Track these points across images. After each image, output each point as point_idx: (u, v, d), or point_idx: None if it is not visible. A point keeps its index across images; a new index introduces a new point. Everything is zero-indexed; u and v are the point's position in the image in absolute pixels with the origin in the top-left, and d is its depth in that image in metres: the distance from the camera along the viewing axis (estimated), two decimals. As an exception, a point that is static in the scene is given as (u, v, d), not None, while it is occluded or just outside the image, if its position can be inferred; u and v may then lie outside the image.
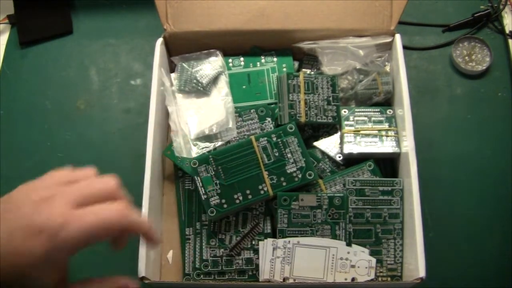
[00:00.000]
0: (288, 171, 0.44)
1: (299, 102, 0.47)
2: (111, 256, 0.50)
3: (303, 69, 0.52)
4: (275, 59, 0.52)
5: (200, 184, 0.43)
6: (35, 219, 0.29)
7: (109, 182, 0.32)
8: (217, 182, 0.43)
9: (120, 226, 0.31)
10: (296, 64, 0.53)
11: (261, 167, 0.44)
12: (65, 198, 0.30)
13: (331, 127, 0.49)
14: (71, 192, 0.30)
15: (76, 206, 0.30)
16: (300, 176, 0.44)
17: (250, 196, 0.43)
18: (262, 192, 0.43)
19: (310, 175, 0.44)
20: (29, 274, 0.30)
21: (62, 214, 0.29)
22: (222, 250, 0.45)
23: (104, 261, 0.50)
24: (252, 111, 0.48)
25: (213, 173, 0.43)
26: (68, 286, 0.33)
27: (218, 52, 0.52)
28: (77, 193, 0.30)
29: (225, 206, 0.43)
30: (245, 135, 0.48)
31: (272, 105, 0.49)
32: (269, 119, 0.48)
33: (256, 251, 0.44)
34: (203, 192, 0.43)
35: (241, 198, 0.43)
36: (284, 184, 0.43)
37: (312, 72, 0.51)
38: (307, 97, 0.47)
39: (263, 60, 0.52)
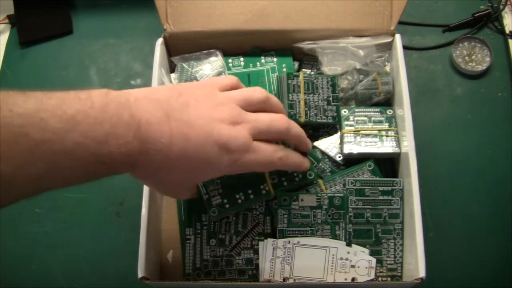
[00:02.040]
0: (289, 171, 0.44)
1: (299, 102, 0.47)
2: (112, 256, 0.50)
3: (303, 69, 0.52)
4: (275, 59, 0.52)
5: (201, 183, 0.43)
6: (226, 138, 0.33)
7: (283, 123, 0.38)
8: (218, 181, 0.43)
9: (279, 168, 0.39)
10: (296, 64, 0.53)
11: None
12: (248, 129, 0.35)
13: (331, 127, 0.49)
14: (252, 127, 0.35)
15: (253, 137, 0.35)
16: (300, 175, 0.44)
17: (252, 196, 0.43)
18: (263, 192, 0.43)
19: (310, 175, 0.44)
20: (195, 178, 0.36)
21: (246, 142, 0.34)
22: (222, 250, 0.45)
23: (104, 261, 0.50)
24: None
25: None
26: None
27: (218, 52, 0.52)
28: (257, 129, 0.35)
29: (227, 206, 0.43)
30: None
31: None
32: None
33: (256, 251, 0.44)
34: (204, 192, 0.43)
35: (243, 198, 0.43)
36: (285, 183, 0.43)
37: (312, 72, 0.51)
38: (307, 97, 0.47)
39: (263, 60, 0.52)
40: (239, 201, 0.43)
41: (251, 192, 0.43)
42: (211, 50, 0.52)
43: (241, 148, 0.34)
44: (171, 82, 0.50)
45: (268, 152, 0.36)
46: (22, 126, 0.26)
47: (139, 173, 0.33)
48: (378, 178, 0.45)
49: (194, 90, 0.35)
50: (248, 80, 0.51)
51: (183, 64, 0.51)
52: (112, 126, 0.29)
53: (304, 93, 0.47)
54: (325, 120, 0.47)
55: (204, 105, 0.34)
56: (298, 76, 0.47)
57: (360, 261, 0.42)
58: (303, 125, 0.47)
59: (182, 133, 0.32)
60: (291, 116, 0.46)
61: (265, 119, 0.36)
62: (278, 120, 0.37)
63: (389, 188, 0.44)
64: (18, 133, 0.26)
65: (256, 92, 0.37)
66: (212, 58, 0.52)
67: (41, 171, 0.27)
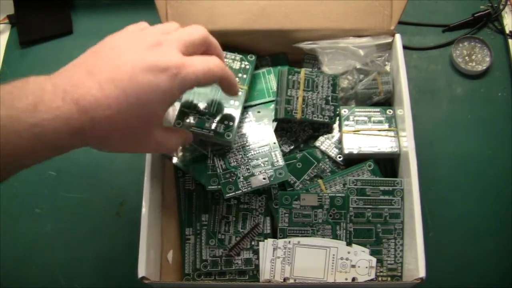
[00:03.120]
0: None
1: (297, 98, 0.47)
2: (112, 256, 0.50)
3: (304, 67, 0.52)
4: (271, 68, 0.52)
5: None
6: (153, 60, 0.33)
7: (200, 30, 0.37)
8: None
9: (219, 77, 0.37)
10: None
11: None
12: (173, 45, 0.34)
13: (332, 127, 0.49)
14: (175, 40, 0.35)
15: (182, 52, 0.34)
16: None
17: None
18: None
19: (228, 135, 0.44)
20: (152, 111, 0.33)
21: (175, 57, 0.34)
22: (221, 250, 0.44)
23: (104, 261, 0.50)
24: (249, 112, 0.48)
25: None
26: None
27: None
28: (181, 41, 0.35)
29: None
30: (242, 134, 0.47)
31: (271, 104, 0.49)
32: (266, 119, 0.47)
33: (255, 252, 0.44)
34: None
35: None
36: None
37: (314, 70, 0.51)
38: (305, 94, 0.47)
39: (259, 65, 0.52)
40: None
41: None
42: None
43: (173, 63, 0.33)
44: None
45: (203, 60, 0.36)
46: None
47: (97, 137, 0.32)
48: (379, 178, 0.45)
49: (109, 40, 0.35)
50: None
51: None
52: (37, 96, 0.29)
53: (304, 90, 0.47)
54: (321, 119, 0.47)
55: (121, 44, 0.34)
56: (299, 72, 0.47)
57: (361, 261, 0.42)
58: (299, 122, 0.47)
59: (109, 78, 0.31)
60: (287, 112, 0.46)
61: (183, 31, 0.36)
62: (195, 28, 0.37)
63: (390, 188, 0.44)
64: None
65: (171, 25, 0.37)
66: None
67: None
